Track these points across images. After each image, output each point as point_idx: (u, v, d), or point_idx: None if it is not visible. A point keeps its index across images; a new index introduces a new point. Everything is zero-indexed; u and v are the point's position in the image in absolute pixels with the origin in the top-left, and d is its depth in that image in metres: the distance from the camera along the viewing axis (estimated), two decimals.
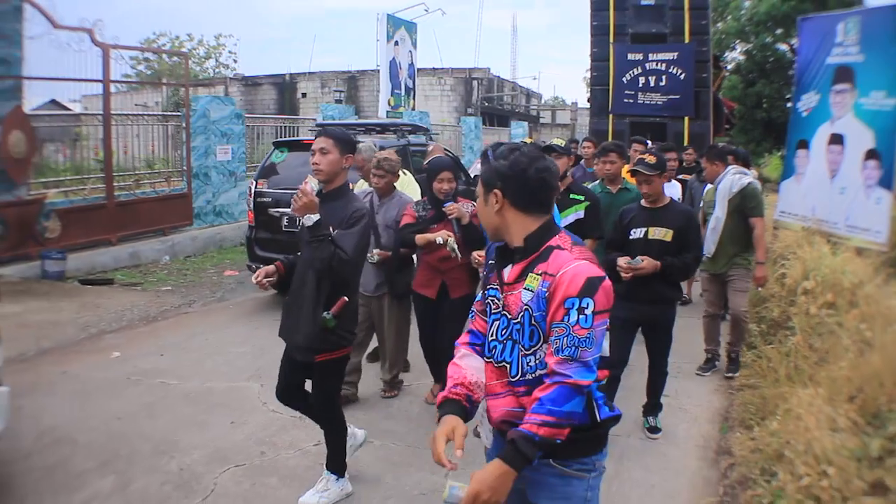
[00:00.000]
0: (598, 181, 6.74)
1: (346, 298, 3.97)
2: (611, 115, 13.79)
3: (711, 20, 14.69)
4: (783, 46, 23.67)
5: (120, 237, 11.29)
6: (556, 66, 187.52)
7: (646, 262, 4.87)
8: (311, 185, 3.79)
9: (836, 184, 9.90)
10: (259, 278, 3.99)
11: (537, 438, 2.19)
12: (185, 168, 12.89)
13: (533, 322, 2.34)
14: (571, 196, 5.71)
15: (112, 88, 11.74)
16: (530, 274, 2.36)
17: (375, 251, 5.50)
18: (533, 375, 2.35)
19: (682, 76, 13.07)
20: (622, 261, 4.91)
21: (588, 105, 18.98)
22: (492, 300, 2.50)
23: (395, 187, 5.83)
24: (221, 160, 13.58)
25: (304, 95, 36.82)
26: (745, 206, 6.46)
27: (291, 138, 11.83)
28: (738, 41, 25.33)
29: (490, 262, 2.57)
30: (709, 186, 7.20)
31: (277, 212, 8.42)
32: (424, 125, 12.74)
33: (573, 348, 2.23)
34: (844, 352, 4.99)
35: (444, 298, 5.40)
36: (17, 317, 7.82)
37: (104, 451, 4.87)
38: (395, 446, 5.07)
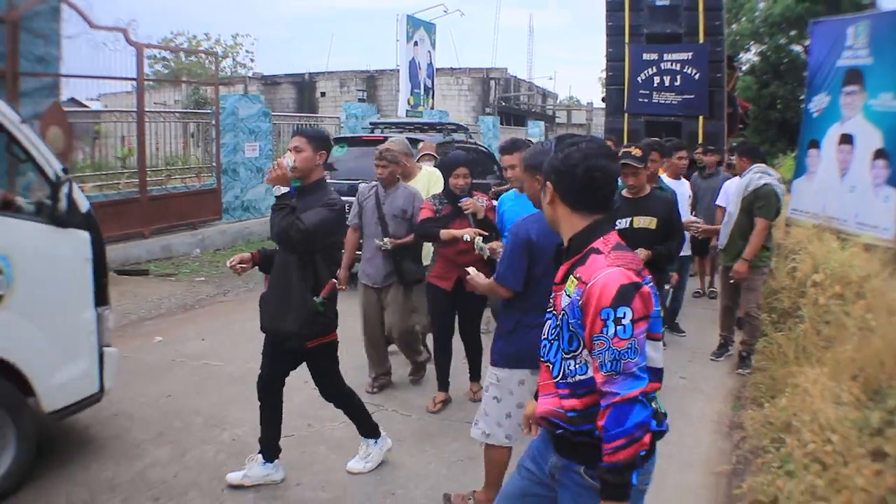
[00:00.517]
0: None
1: (334, 281, 4.17)
2: (626, 115, 13.85)
3: (726, 21, 14.71)
4: (797, 48, 23.58)
5: (152, 230, 11.63)
6: (566, 67, 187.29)
7: (643, 255, 4.94)
8: (287, 161, 4.01)
9: (846, 182, 10.18)
10: (234, 263, 4.20)
11: (619, 465, 2.16)
12: (214, 164, 13.28)
13: (570, 328, 2.33)
14: None
15: (133, 86, 12.07)
16: (570, 276, 2.34)
17: (387, 239, 5.64)
18: (574, 379, 2.34)
19: (697, 76, 13.12)
20: None
21: (603, 105, 19.04)
22: (551, 297, 2.50)
23: (398, 178, 5.96)
24: (249, 157, 13.97)
25: (323, 94, 37.01)
26: (755, 206, 6.60)
27: (350, 135, 12.21)
28: (752, 42, 25.22)
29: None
30: (735, 180, 7.38)
31: None
32: (464, 125, 13.11)
33: (616, 362, 2.18)
34: (850, 337, 5.33)
35: (460, 291, 5.36)
36: None
37: (158, 424, 5.23)
38: (431, 419, 5.46)
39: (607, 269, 2.23)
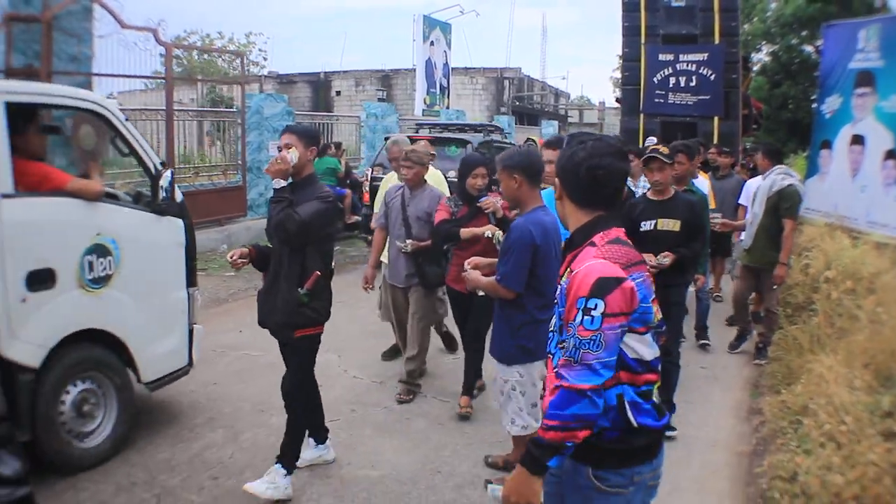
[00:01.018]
0: None
1: (318, 273, 4.18)
2: (642, 115, 13.93)
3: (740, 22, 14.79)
4: (808, 48, 23.52)
5: None
6: (576, 64, 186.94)
7: (668, 259, 5.01)
8: (291, 156, 4.06)
9: (858, 182, 10.42)
10: (234, 257, 4.25)
11: (543, 442, 2.20)
12: (239, 162, 13.60)
13: (561, 318, 2.36)
14: None
15: (145, 84, 12.32)
16: (569, 268, 2.37)
17: (409, 241, 5.65)
18: None
19: (712, 77, 13.19)
20: (645, 259, 5.10)
21: (615, 104, 19.12)
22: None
23: (425, 180, 5.89)
24: (273, 155, 14.21)
25: (338, 93, 37.17)
26: (780, 206, 6.69)
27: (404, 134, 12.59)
28: (764, 42, 25.27)
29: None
30: (757, 181, 7.37)
31: None
32: (500, 126, 13.35)
33: (576, 350, 2.19)
34: (862, 328, 5.64)
35: (475, 293, 5.20)
36: None
37: (209, 410, 5.54)
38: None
39: (592, 260, 2.26)
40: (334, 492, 4.41)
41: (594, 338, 2.16)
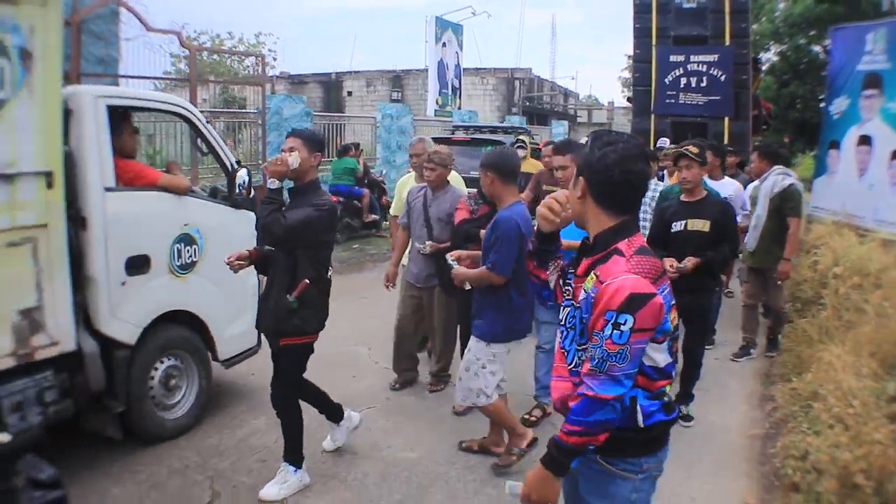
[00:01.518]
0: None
1: (307, 281, 4.16)
2: (653, 115, 14.04)
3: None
4: (816, 48, 23.34)
5: None
6: (580, 65, 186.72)
7: (690, 263, 5.07)
8: (293, 160, 4.05)
9: (865, 181, 10.68)
10: (232, 260, 4.30)
11: (567, 446, 2.28)
12: (259, 162, 13.87)
13: (583, 321, 2.37)
14: None
15: (155, 85, 12.50)
16: (591, 273, 2.35)
17: (428, 243, 5.64)
18: None
19: (723, 77, 13.28)
20: (668, 264, 4.98)
21: (624, 104, 19.17)
22: (568, 286, 2.54)
23: (448, 181, 5.90)
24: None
25: (349, 94, 37.21)
26: (784, 206, 6.75)
27: (443, 136, 12.88)
28: (772, 42, 25.20)
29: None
30: (754, 183, 7.47)
31: None
32: (526, 128, 13.49)
33: (603, 362, 2.23)
34: (868, 321, 5.92)
35: (464, 288, 5.34)
36: None
37: (249, 398, 5.82)
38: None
39: (625, 275, 2.24)
40: (378, 472, 4.73)
41: (621, 351, 2.21)
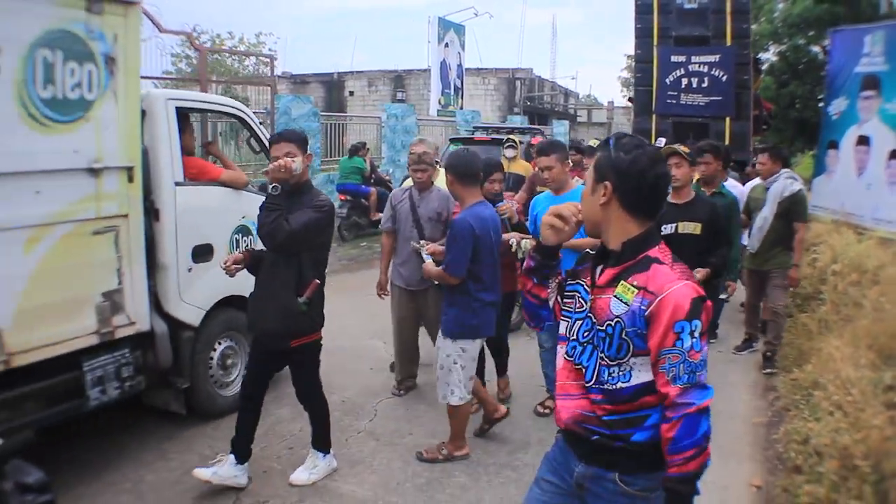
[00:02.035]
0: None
1: (317, 281, 4.24)
2: (654, 115, 14.08)
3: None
4: (815, 48, 23.24)
5: None
6: (580, 64, 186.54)
7: (700, 275, 4.82)
8: (296, 165, 4.08)
9: (863, 181, 10.88)
10: (228, 264, 4.35)
11: (690, 475, 2.16)
12: (268, 161, 14.02)
13: (624, 335, 2.24)
14: None
15: (155, 84, 12.69)
16: (622, 282, 2.25)
17: (423, 241, 5.42)
18: (613, 386, 2.28)
19: (724, 78, 13.32)
20: None
21: (624, 104, 19.18)
22: (578, 298, 2.42)
23: (432, 181, 5.88)
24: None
25: (351, 94, 37.24)
26: (792, 211, 6.71)
27: (466, 136, 13.06)
28: (771, 42, 25.27)
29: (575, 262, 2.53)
30: (755, 183, 7.48)
31: None
32: (538, 128, 13.65)
33: (692, 374, 2.14)
34: (866, 315, 6.17)
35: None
36: None
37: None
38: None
39: (679, 283, 2.18)
40: (401, 456, 4.98)
41: (703, 358, 2.17)
